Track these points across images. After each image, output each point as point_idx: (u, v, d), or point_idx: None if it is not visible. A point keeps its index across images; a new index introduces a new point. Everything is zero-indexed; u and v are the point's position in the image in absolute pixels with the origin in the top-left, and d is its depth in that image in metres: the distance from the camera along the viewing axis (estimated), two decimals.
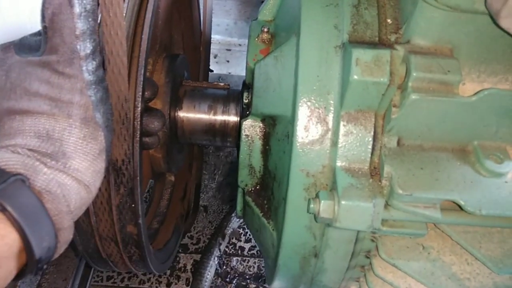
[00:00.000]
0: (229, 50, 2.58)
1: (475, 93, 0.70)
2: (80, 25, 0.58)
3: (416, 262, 0.79)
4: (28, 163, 0.56)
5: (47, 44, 0.59)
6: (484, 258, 0.75)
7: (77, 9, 0.57)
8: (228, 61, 2.58)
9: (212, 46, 2.54)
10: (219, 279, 1.87)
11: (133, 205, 0.80)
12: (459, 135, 0.76)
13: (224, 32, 2.54)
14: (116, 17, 0.64)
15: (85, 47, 0.59)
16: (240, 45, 2.55)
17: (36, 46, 0.60)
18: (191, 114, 1.10)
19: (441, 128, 0.74)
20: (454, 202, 0.71)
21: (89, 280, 1.56)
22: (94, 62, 0.61)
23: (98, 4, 0.62)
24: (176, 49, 1.34)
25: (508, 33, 0.61)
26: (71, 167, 0.60)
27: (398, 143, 0.77)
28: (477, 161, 0.75)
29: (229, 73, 2.55)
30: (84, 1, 0.58)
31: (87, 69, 0.60)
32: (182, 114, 1.09)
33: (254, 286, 1.88)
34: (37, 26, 0.58)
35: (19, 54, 0.60)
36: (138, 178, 0.78)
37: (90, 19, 0.59)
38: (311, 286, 0.93)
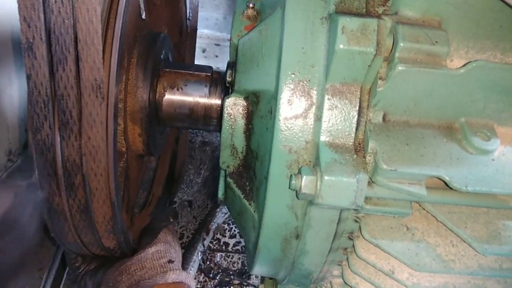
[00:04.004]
0: (218, 45, 2.55)
1: (463, 65, 0.68)
2: None
3: (400, 243, 0.76)
4: None
5: None
6: (470, 239, 0.73)
7: None
8: (217, 56, 2.55)
9: (201, 41, 2.51)
10: (202, 275, 1.83)
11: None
12: (446, 111, 0.74)
13: (213, 27, 2.51)
14: (102, 176, 0.78)
15: None
16: (229, 40, 2.53)
17: None
18: (172, 97, 1.06)
19: (428, 103, 0.72)
20: (439, 179, 0.69)
21: (66, 271, 1.52)
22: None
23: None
24: (157, 26, 1.30)
25: None
26: None
27: (384, 119, 0.74)
28: (464, 138, 0.73)
29: (218, 68, 2.51)
30: None
31: None
32: (162, 99, 1.05)
33: (237, 282, 1.84)
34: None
35: None
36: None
37: None
38: (292, 271, 0.89)
